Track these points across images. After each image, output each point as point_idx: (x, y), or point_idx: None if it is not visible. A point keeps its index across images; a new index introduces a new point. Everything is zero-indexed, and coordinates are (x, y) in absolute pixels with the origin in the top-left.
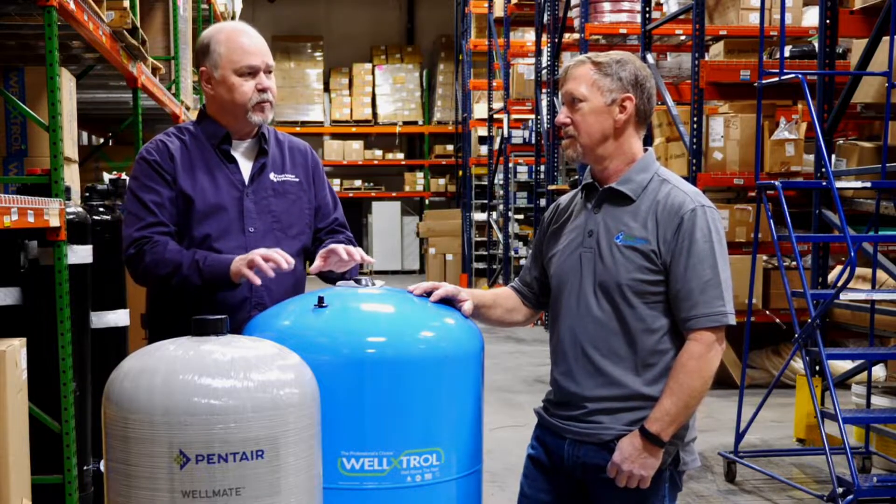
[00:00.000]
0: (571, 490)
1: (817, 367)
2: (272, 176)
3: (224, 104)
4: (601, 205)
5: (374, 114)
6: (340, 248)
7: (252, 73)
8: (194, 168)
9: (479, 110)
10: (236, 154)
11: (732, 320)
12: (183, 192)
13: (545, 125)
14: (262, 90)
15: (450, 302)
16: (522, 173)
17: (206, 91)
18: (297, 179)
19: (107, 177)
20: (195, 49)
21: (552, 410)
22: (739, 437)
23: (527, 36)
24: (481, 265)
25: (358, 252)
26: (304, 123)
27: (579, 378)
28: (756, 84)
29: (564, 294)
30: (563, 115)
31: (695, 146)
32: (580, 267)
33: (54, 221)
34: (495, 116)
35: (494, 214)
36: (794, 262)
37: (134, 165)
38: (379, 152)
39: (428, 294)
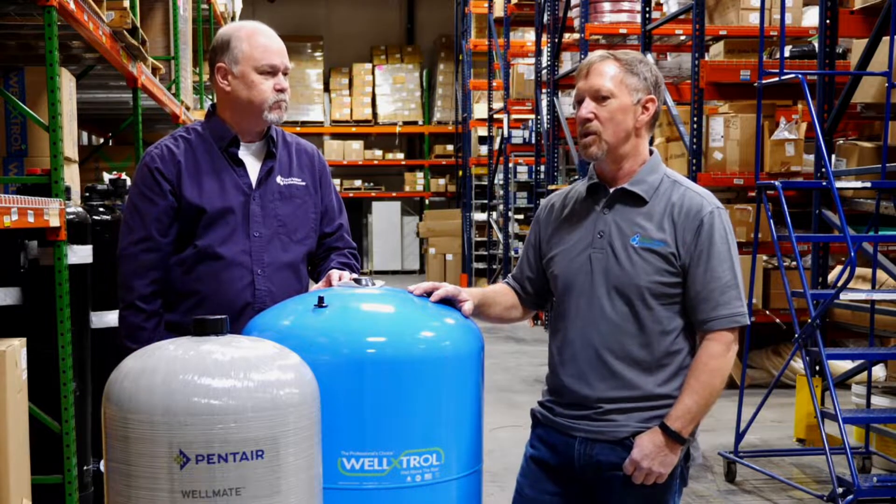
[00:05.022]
0: (580, 490)
1: (817, 367)
2: (279, 179)
3: (240, 101)
4: (612, 205)
5: (374, 114)
6: (345, 276)
7: (272, 72)
8: (200, 173)
9: (479, 110)
10: (244, 156)
11: (748, 320)
12: (189, 200)
13: (545, 125)
14: (280, 90)
15: (450, 302)
16: (522, 173)
17: (220, 88)
18: (303, 183)
19: (107, 177)
20: (212, 45)
21: (558, 410)
22: (739, 437)
23: (527, 36)
24: (481, 265)
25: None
26: (304, 123)
27: (592, 381)
28: (756, 84)
29: (573, 296)
30: (586, 111)
31: (695, 146)
32: (591, 268)
33: (54, 221)
34: (495, 116)
35: (494, 214)
36: (794, 262)
37: (136, 169)
38: (379, 152)
39: (428, 294)
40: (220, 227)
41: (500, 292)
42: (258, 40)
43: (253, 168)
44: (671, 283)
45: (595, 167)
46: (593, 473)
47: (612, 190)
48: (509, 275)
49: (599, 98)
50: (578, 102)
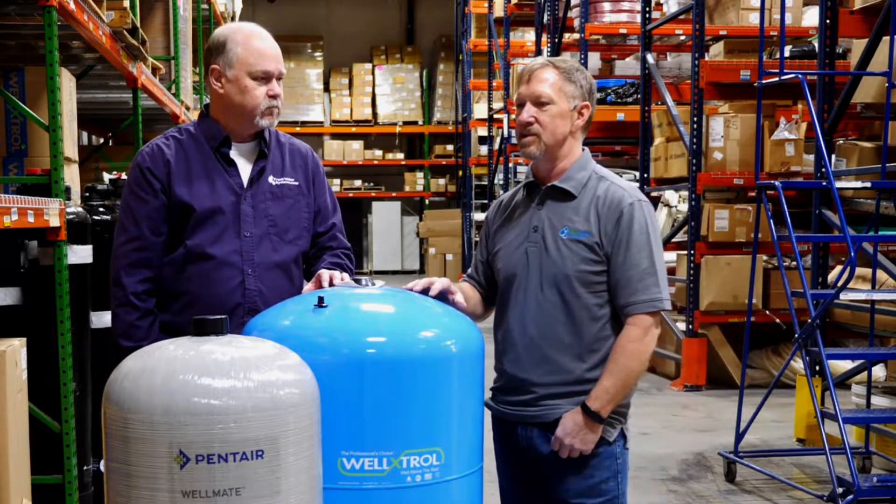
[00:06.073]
0: (530, 476)
1: (817, 367)
2: (271, 179)
3: (231, 105)
4: (545, 201)
5: (374, 114)
6: (336, 276)
7: (266, 78)
8: (191, 173)
9: (479, 110)
10: (236, 157)
11: (668, 305)
12: (179, 199)
13: None
14: (273, 96)
15: (443, 295)
16: (522, 173)
17: (213, 89)
18: (296, 183)
19: (107, 177)
20: (207, 45)
21: (500, 397)
22: (739, 437)
23: (527, 36)
24: None
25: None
26: (304, 123)
27: (527, 366)
28: (756, 84)
29: (513, 287)
30: (527, 115)
31: (695, 146)
32: (527, 261)
33: (54, 221)
34: (495, 116)
35: None
36: (794, 262)
37: (129, 169)
38: (379, 152)
39: (425, 291)
40: (210, 227)
41: (467, 288)
42: (254, 45)
43: (244, 168)
44: (596, 271)
45: (532, 167)
46: (535, 457)
47: (544, 187)
48: (466, 273)
49: (540, 103)
50: (520, 106)
